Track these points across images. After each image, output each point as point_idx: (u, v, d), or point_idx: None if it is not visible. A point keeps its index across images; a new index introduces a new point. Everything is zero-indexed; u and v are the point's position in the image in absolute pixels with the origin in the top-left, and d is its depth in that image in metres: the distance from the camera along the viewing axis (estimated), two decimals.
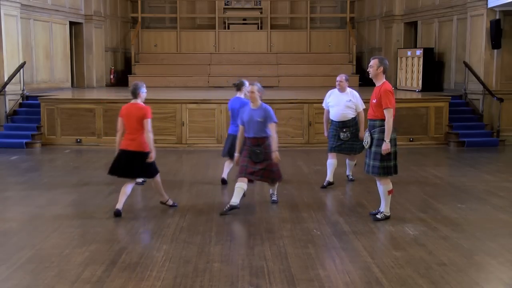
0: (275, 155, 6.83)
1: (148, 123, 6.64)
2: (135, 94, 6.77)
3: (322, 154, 9.17)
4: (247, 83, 8.24)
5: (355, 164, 8.68)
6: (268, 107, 6.92)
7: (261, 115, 6.83)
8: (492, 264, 5.19)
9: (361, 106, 8.19)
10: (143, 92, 6.83)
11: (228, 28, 19.38)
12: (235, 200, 6.79)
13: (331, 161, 8.27)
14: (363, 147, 7.89)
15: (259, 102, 6.91)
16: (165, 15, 19.95)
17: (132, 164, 6.71)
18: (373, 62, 6.38)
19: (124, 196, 6.77)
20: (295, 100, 12.48)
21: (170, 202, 7.14)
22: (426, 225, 6.36)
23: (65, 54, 15.76)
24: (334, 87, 8.30)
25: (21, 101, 13.42)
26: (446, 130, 12.76)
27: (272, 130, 6.85)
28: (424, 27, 15.90)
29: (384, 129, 6.24)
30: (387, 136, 6.22)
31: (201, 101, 12.34)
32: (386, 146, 6.23)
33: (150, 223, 6.51)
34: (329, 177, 8.30)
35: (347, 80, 8.19)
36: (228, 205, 6.80)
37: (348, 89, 8.21)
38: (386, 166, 6.33)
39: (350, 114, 8.13)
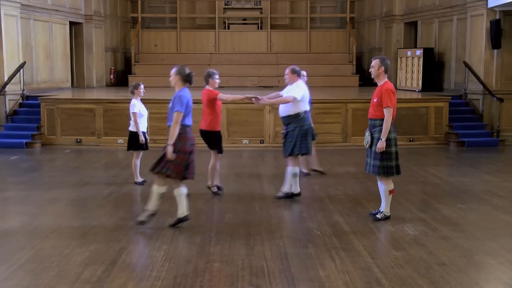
0: (168, 150, 6.05)
1: (216, 101, 7.51)
2: (207, 81, 7.57)
3: (322, 154, 9.19)
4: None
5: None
6: (179, 93, 6.15)
7: (171, 101, 6.24)
8: (492, 264, 5.19)
9: (291, 96, 7.24)
10: (213, 79, 7.53)
11: (228, 28, 19.38)
12: (152, 207, 6.27)
13: (288, 169, 7.46)
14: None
15: (177, 87, 6.26)
16: (165, 15, 19.95)
17: (206, 140, 7.67)
18: (374, 63, 6.38)
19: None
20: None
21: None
22: (426, 225, 6.36)
23: (65, 54, 15.76)
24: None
25: (21, 101, 13.42)
26: (446, 130, 12.76)
27: (174, 119, 6.13)
28: (424, 27, 15.90)
29: None
30: (384, 135, 6.23)
31: (201, 101, 12.30)
32: (381, 145, 6.23)
33: (150, 223, 6.51)
34: (294, 187, 7.50)
35: (294, 72, 7.43)
36: (148, 213, 6.29)
37: (298, 82, 7.41)
38: (387, 165, 6.32)
39: (291, 110, 7.32)
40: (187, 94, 6.26)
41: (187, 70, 6.27)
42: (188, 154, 6.19)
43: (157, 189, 6.21)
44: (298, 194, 7.51)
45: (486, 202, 7.52)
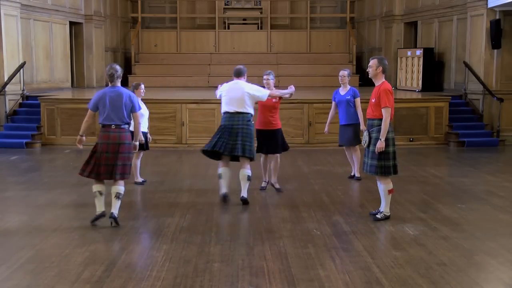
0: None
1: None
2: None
3: (322, 154, 9.19)
4: (342, 71, 8.59)
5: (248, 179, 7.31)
6: (100, 90, 6.34)
7: None
8: (492, 264, 5.19)
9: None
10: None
11: (228, 28, 19.38)
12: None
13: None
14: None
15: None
16: (165, 15, 19.95)
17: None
18: (372, 62, 6.39)
19: None
20: (295, 100, 12.45)
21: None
22: (426, 225, 6.36)
23: (65, 54, 15.76)
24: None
25: (21, 101, 13.42)
26: (446, 130, 12.76)
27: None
28: (424, 27, 15.90)
29: None
30: (383, 135, 6.24)
31: (201, 101, 12.34)
32: (380, 144, 6.23)
33: (150, 223, 6.52)
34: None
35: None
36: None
37: (230, 82, 7.62)
38: (384, 165, 6.33)
39: None
40: (107, 92, 6.21)
41: (113, 69, 6.22)
42: (98, 153, 6.27)
43: (93, 187, 6.37)
44: (224, 196, 7.19)
45: (486, 202, 7.52)
